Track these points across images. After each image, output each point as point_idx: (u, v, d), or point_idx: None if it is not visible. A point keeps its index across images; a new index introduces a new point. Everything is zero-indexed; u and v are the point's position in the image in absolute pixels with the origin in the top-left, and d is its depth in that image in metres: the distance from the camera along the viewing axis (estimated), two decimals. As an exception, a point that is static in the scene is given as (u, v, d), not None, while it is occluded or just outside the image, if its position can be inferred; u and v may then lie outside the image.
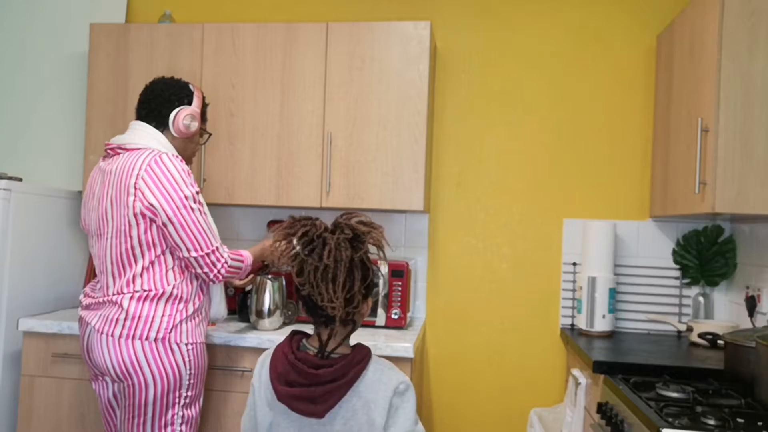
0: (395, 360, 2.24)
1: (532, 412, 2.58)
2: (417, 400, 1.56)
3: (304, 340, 1.56)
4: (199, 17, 3.08)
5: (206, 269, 1.95)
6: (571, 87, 2.86)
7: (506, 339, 2.87)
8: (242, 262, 2.07)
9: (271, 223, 2.84)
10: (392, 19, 2.89)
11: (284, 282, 2.48)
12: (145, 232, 1.91)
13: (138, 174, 1.89)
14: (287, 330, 2.35)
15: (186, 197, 1.91)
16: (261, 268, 2.39)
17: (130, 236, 1.91)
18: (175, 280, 1.95)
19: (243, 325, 2.53)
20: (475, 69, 2.92)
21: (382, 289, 2.52)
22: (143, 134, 2.01)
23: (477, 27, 2.92)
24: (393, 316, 2.53)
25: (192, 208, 1.92)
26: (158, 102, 2.05)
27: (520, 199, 2.88)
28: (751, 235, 2.53)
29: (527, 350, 2.85)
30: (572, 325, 2.81)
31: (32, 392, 2.44)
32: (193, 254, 1.93)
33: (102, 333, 1.91)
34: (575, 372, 2.36)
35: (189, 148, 2.14)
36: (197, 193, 1.97)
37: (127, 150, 1.97)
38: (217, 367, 2.32)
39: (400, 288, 2.53)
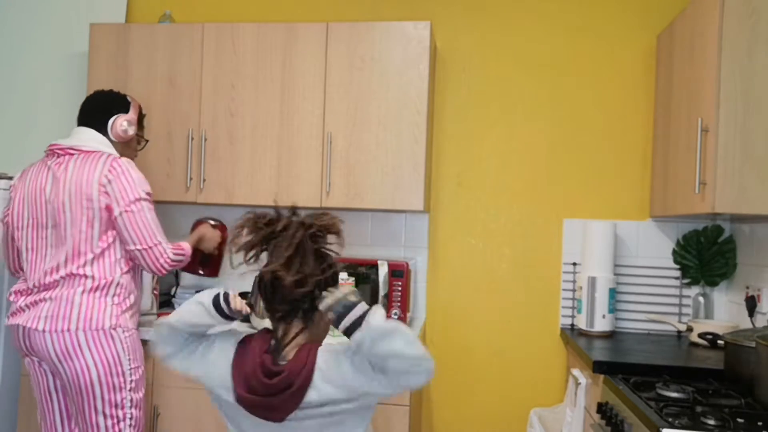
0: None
1: (532, 412, 2.58)
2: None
3: (272, 341, 1.53)
4: (199, 17, 3.07)
5: (149, 261, 2.14)
6: (571, 87, 2.86)
7: (506, 339, 2.87)
8: (183, 254, 2.24)
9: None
10: (392, 19, 2.89)
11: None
12: (106, 222, 2.10)
13: (102, 172, 2.09)
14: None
15: (138, 197, 2.12)
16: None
17: (92, 227, 2.09)
18: (121, 271, 2.13)
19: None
20: (475, 69, 2.92)
21: (382, 288, 2.52)
22: (90, 139, 2.18)
23: (477, 27, 2.93)
24: (393, 316, 2.53)
25: (141, 207, 2.13)
26: (98, 110, 2.24)
27: (520, 199, 2.88)
28: (751, 235, 2.53)
29: (527, 350, 2.85)
30: (572, 325, 2.81)
31: (32, 392, 2.43)
32: (138, 247, 2.11)
33: (45, 331, 2.02)
34: (575, 372, 2.36)
35: (126, 152, 2.28)
36: (148, 194, 2.15)
37: (83, 152, 2.14)
38: (217, 367, 2.32)
39: (400, 288, 2.53)
